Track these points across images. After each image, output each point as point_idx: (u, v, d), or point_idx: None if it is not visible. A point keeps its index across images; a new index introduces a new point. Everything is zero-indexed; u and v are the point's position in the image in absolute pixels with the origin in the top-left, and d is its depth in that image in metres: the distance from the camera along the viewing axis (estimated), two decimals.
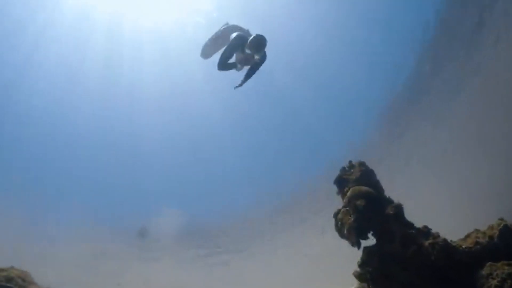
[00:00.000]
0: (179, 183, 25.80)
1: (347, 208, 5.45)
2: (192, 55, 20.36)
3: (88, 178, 24.31)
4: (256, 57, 5.35)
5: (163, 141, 24.61)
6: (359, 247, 5.25)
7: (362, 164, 5.89)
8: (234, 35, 5.57)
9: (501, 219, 4.72)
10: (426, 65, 20.27)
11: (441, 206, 21.23)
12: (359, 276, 5.29)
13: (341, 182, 5.86)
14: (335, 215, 5.64)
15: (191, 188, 25.83)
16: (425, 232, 5.00)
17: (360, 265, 5.22)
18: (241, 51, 5.50)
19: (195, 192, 25.79)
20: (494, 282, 3.98)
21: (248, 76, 5.57)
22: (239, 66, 5.63)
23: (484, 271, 4.17)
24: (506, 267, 4.05)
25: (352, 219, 5.24)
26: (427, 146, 22.81)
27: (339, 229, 5.50)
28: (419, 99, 21.05)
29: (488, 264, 4.22)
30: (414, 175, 23.12)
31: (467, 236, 4.97)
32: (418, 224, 5.31)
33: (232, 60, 5.70)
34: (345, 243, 5.69)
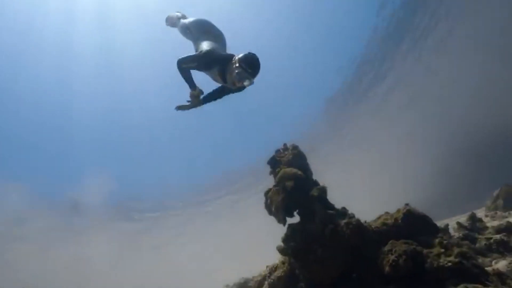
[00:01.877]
0: (112, 153, 24.93)
1: (277, 188, 5.76)
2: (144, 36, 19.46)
3: (15, 142, 22.42)
4: (246, 83, 3.24)
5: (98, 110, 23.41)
6: (284, 224, 5.62)
7: (295, 147, 6.20)
8: (204, 46, 3.60)
9: (407, 204, 5.35)
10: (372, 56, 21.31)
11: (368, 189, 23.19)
12: (282, 250, 5.68)
13: (274, 163, 6.13)
14: (266, 193, 5.92)
15: (125, 160, 25.09)
16: (343, 213, 5.49)
17: (283, 240, 5.59)
18: (218, 73, 3.46)
19: (128, 164, 25.12)
20: (392, 257, 4.56)
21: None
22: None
23: (386, 248, 4.75)
24: (403, 245, 4.66)
25: (280, 198, 5.57)
26: (365, 136, 24.45)
27: (268, 207, 5.81)
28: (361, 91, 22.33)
29: (390, 242, 4.80)
30: (352, 160, 24.78)
31: (378, 217, 5.58)
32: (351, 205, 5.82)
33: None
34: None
